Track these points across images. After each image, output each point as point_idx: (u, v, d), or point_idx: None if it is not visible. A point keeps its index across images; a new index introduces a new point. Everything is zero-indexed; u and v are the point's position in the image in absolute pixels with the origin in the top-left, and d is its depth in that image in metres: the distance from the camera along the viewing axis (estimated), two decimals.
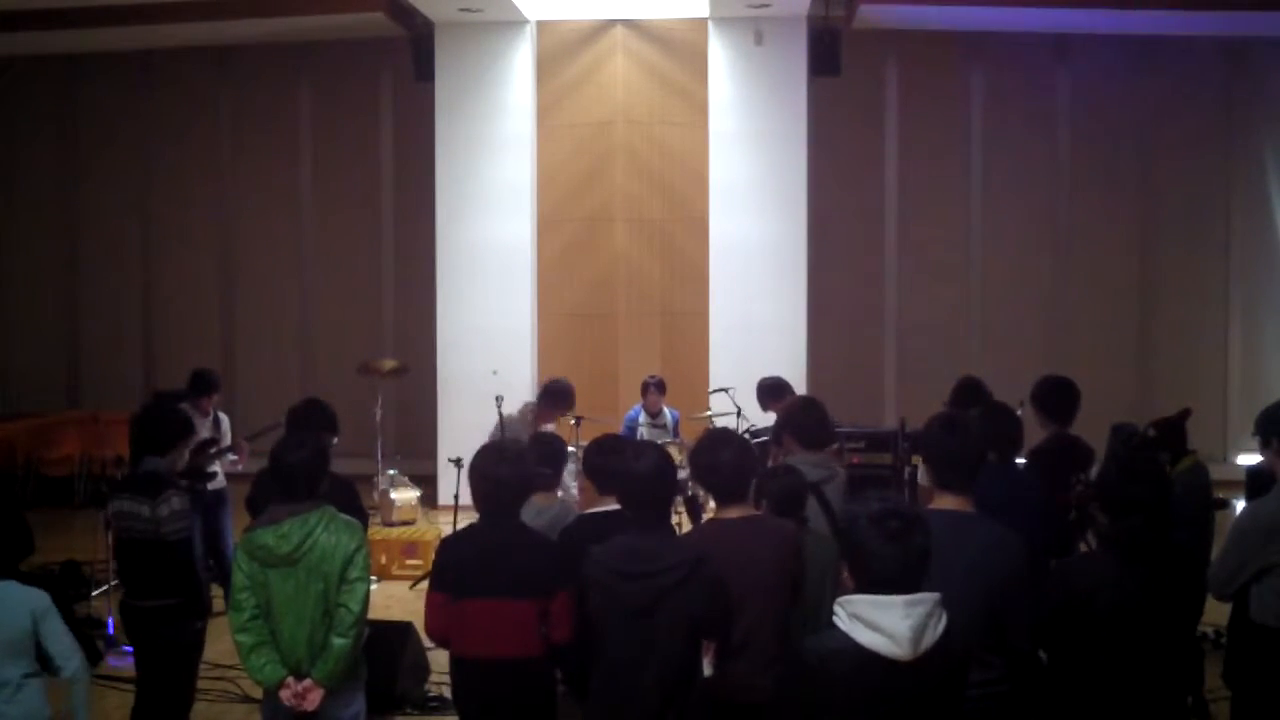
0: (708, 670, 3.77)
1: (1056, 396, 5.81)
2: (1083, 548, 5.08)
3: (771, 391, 8.38)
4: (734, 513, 3.97)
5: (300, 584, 4.07)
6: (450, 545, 4.16)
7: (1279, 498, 4.51)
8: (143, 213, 14.53)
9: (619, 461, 3.97)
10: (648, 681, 3.65)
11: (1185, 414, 5.85)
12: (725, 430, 4.49)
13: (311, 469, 4.18)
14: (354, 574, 4.12)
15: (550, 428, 7.75)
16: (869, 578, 2.79)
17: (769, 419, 8.24)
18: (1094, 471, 5.39)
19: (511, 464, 4.06)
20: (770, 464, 5.63)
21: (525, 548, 3.98)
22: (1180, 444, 5.73)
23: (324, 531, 4.09)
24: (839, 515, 4.89)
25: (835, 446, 5.33)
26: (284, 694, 4.10)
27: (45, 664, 4.19)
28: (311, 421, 5.31)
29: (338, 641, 4.09)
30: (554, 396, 7.97)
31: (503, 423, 8.08)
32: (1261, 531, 4.47)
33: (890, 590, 2.74)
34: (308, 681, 4.10)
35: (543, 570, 3.92)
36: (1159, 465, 4.09)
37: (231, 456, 7.85)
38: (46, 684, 4.23)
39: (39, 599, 4.13)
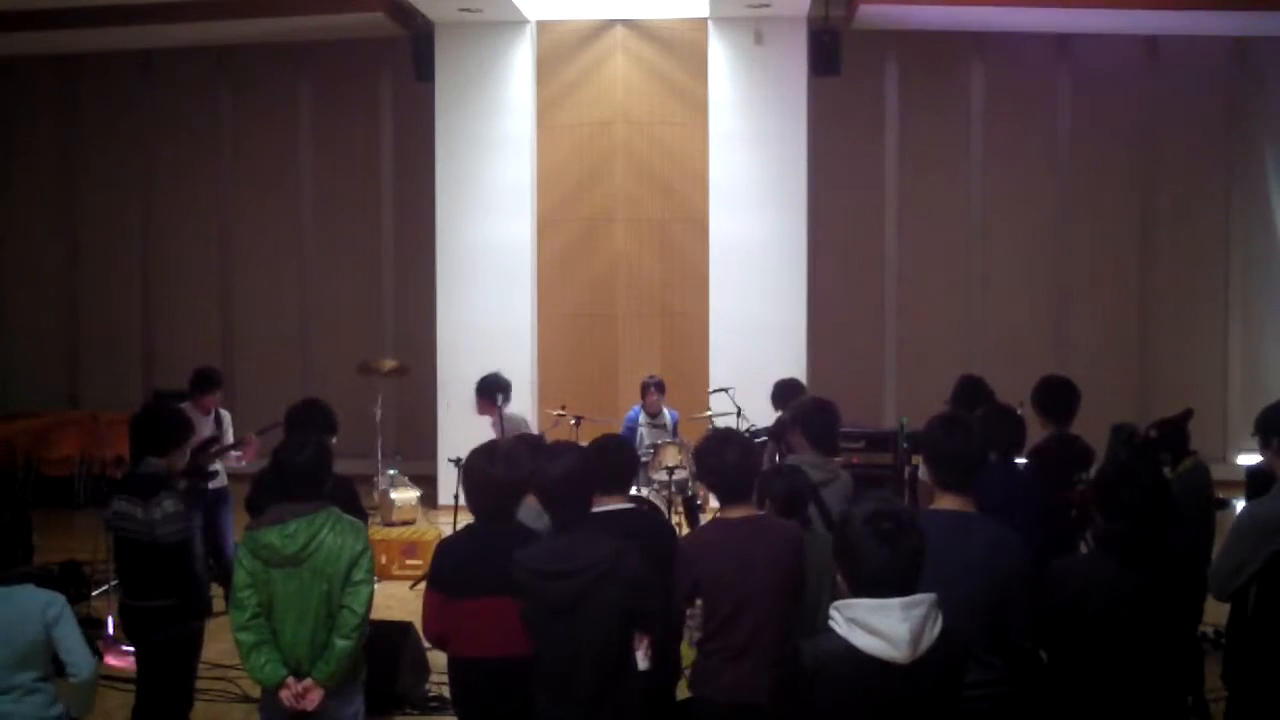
0: (643, 664, 3.80)
1: (1056, 397, 5.82)
2: (1083, 548, 5.08)
3: (789, 393, 8.30)
4: (737, 513, 3.98)
5: (304, 584, 4.07)
6: (447, 547, 4.17)
7: (1279, 497, 4.51)
8: (143, 212, 14.53)
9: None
10: (581, 678, 3.70)
11: (1187, 414, 5.85)
12: (730, 430, 4.50)
13: (316, 469, 4.18)
14: (359, 576, 4.12)
15: (547, 425, 7.76)
16: (863, 580, 2.77)
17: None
18: (1094, 470, 5.41)
19: (506, 464, 4.06)
20: (767, 463, 5.63)
21: (523, 547, 3.98)
22: (1182, 445, 5.74)
23: (329, 533, 4.09)
24: (835, 517, 4.90)
25: (839, 460, 5.33)
26: (284, 694, 4.10)
27: (57, 666, 4.17)
28: (311, 421, 5.30)
29: (340, 643, 4.09)
30: (493, 389, 7.94)
31: (501, 423, 8.07)
32: (1261, 531, 4.47)
33: (885, 592, 2.73)
34: (308, 681, 4.10)
35: None
36: (1156, 467, 4.10)
37: (236, 453, 7.82)
38: (56, 687, 4.22)
39: (53, 604, 4.07)
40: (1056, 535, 4.79)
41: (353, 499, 5.19)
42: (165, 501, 4.84)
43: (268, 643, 4.11)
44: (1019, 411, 5.35)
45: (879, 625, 2.70)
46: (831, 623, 2.78)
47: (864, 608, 2.74)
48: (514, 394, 8.59)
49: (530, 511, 4.36)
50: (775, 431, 7.89)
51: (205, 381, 8.00)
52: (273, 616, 4.11)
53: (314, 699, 4.10)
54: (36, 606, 4.04)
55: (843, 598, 2.83)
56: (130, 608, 4.98)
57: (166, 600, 4.88)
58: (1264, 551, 4.42)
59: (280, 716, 4.16)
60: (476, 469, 4.07)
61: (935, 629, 2.75)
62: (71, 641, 4.08)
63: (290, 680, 4.10)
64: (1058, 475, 5.46)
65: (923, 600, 2.74)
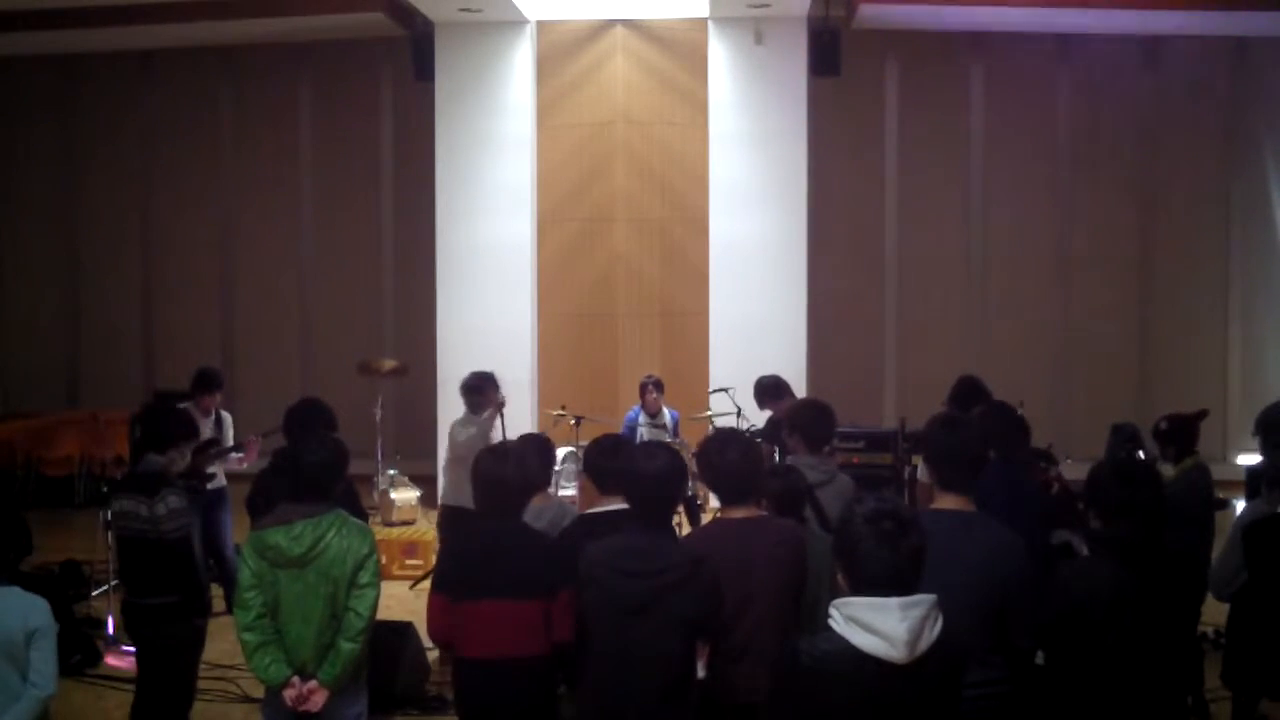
0: (702, 672, 3.77)
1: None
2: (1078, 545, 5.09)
3: (770, 391, 8.36)
4: (738, 513, 3.97)
5: (309, 586, 4.07)
6: (453, 547, 4.15)
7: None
8: (143, 212, 14.53)
9: (628, 461, 3.96)
10: (639, 681, 3.64)
11: (1202, 414, 5.96)
12: (732, 430, 4.50)
13: (331, 471, 4.19)
14: (364, 579, 4.12)
15: (547, 425, 7.72)
16: (863, 579, 2.76)
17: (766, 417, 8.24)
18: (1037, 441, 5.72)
19: (515, 465, 4.05)
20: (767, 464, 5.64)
21: (529, 548, 3.98)
22: (1189, 442, 5.79)
23: (336, 535, 4.09)
24: (835, 517, 4.90)
25: (828, 449, 5.35)
26: (288, 694, 4.09)
27: None
28: (311, 421, 5.30)
29: (346, 646, 4.09)
30: (478, 388, 7.74)
31: (503, 424, 8.05)
32: None
33: (885, 591, 2.72)
34: (312, 683, 4.09)
35: (544, 569, 3.92)
36: (1151, 467, 4.11)
37: (237, 455, 7.81)
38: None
39: (40, 615, 3.98)
40: (1057, 512, 4.87)
41: (354, 499, 5.19)
42: (170, 497, 4.86)
43: (273, 643, 4.10)
44: (1019, 411, 5.37)
45: (877, 624, 2.69)
46: (830, 621, 2.77)
47: (862, 606, 2.73)
48: (514, 394, 8.58)
49: (529, 512, 4.36)
50: (768, 433, 7.91)
51: (206, 382, 8.00)
52: (278, 617, 4.11)
53: (318, 700, 4.09)
54: (19, 611, 3.95)
55: (843, 597, 2.82)
56: (133, 606, 4.98)
57: (169, 597, 4.88)
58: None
59: (283, 717, 4.16)
60: (488, 469, 4.06)
61: (935, 630, 2.74)
62: (46, 655, 3.96)
63: (294, 681, 4.09)
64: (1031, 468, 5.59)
65: (922, 601, 2.73)
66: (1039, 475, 5.56)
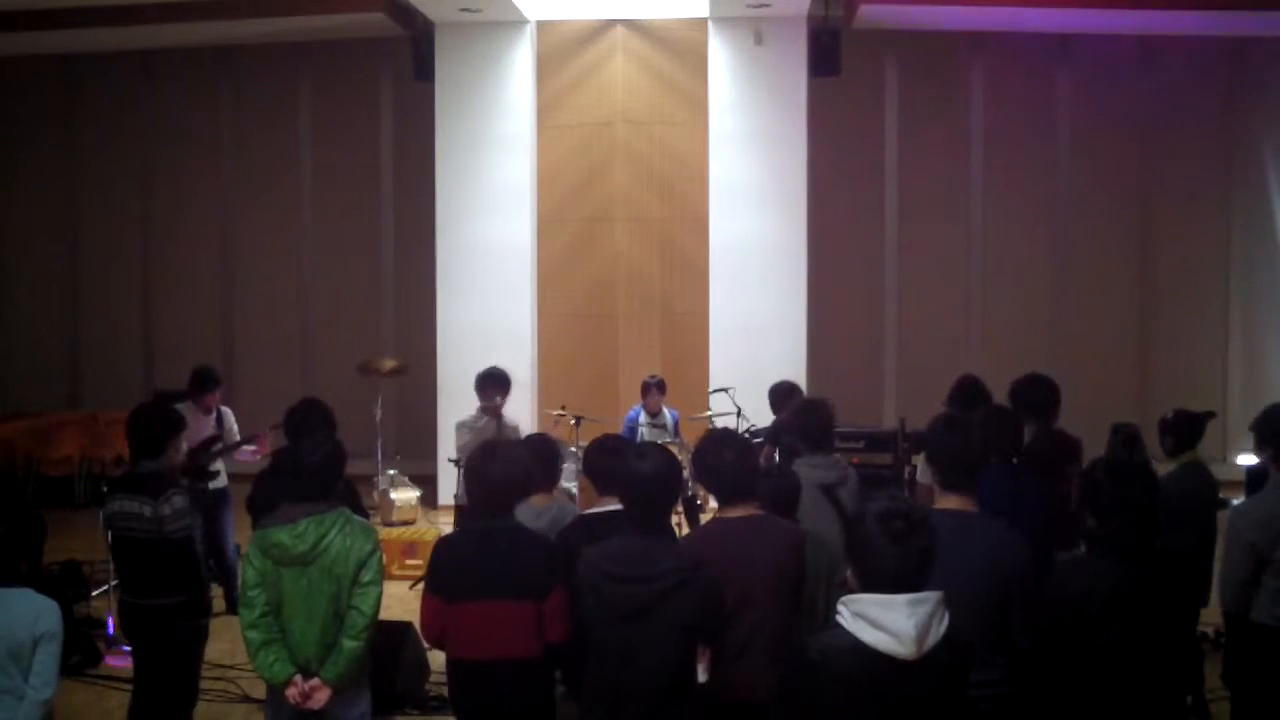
0: (702, 676, 3.75)
1: (1038, 394, 5.83)
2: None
3: (782, 395, 8.32)
4: (736, 512, 3.97)
5: (312, 583, 4.08)
6: (445, 548, 4.15)
7: (1262, 498, 4.53)
8: (143, 212, 14.53)
9: (621, 462, 3.95)
10: (638, 687, 3.61)
11: (1209, 415, 5.98)
12: (728, 431, 4.50)
13: (331, 469, 4.21)
14: (367, 577, 4.13)
15: (547, 425, 7.75)
16: (873, 576, 2.80)
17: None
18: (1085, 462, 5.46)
19: (504, 464, 4.05)
20: (763, 464, 5.63)
21: (520, 548, 3.98)
22: (1190, 438, 5.81)
23: (339, 533, 4.10)
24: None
25: (835, 457, 5.33)
26: (291, 692, 4.10)
27: None
28: (310, 421, 5.31)
29: (349, 644, 4.09)
30: (494, 380, 7.92)
31: (502, 424, 8.06)
32: (1252, 531, 4.49)
33: (893, 589, 2.75)
34: (315, 681, 4.10)
35: (537, 570, 3.92)
36: (1146, 466, 4.11)
37: (249, 447, 7.79)
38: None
39: (50, 620, 3.99)
40: (1061, 528, 4.82)
41: (354, 497, 5.20)
42: (175, 498, 4.85)
43: (276, 641, 4.11)
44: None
45: (884, 620, 2.72)
46: (838, 617, 2.80)
47: (870, 603, 2.76)
48: (514, 394, 8.58)
49: (529, 511, 4.36)
50: (771, 434, 7.92)
51: (204, 381, 7.99)
52: (281, 615, 4.12)
53: (321, 699, 4.10)
54: (29, 614, 3.95)
55: (852, 594, 2.84)
56: (134, 606, 4.95)
57: (174, 598, 4.86)
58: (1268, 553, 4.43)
59: (286, 716, 4.16)
60: (475, 467, 4.07)
61: (941, 627, 2.77)
62: (50, 659, 3.97)
63: (297, 679, 4.10)
64: (1052, 471, 5.48)
65: (929, 598, 2.77)
66: (1063, 487, 5.41)
